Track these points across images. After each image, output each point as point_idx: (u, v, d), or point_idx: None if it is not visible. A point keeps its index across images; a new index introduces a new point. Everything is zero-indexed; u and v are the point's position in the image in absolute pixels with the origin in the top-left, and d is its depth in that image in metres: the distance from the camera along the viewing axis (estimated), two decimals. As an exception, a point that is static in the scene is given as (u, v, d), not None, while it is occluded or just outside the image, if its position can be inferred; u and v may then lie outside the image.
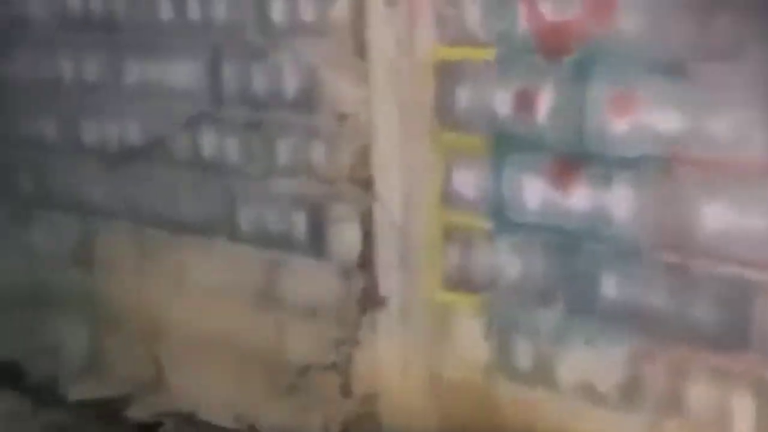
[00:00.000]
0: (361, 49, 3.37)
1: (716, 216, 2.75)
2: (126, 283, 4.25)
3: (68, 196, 4.42)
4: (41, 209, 4.54)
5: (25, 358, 4.57)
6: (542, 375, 3.10)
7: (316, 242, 3.61)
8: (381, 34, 3.32)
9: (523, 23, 3.01)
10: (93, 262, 4.37)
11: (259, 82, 3.66)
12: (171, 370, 4.13)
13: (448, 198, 3.25)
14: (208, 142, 3.86)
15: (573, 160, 2.96)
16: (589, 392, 3.00)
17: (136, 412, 4.13)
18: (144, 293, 4.20)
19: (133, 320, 4.24)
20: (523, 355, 3.13)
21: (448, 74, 3.18)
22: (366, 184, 3.44)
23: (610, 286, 2.93)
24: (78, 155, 4.34)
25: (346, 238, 3.53)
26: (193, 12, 3.82)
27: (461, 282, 3.26)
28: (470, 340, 3.25)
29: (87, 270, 4.39)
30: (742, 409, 2.78)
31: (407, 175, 3.32)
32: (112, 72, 4.14)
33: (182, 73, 3.88)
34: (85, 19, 4.20)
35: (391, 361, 3.47)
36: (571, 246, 3.00)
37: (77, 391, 4.33)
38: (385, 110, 3.34)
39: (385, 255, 3.43)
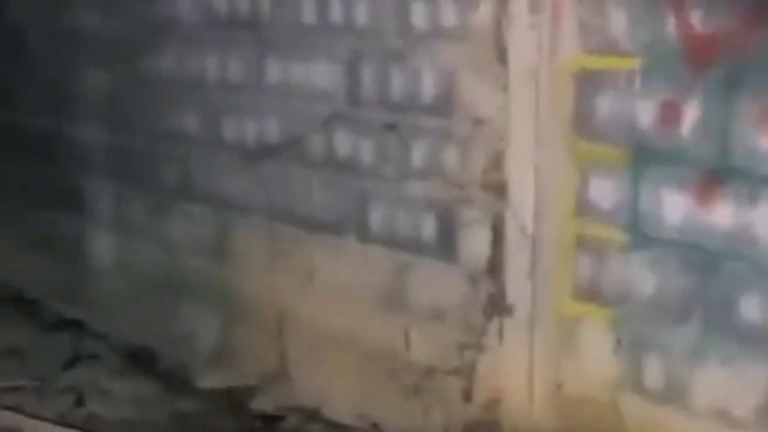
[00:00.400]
0: (501, 55, 3.26)
1: None
2: (257, 277, 4.22)
3: (207, 190, 4.43)
4: (181, 201, 4.56)
5: (159, 344, 4.59)
6: (674, 395, 2.90)
7: (446, 246, 3.50)
8: (523, 40, 3.20)
9: (671, 33, 2.83)
10: (227, 255, 4.36)
11: (397, 85, 3.61)
12: (296, 365, 4.07)
13: (583, 208, 3.09)
14: (344, 142, 3.81)
15: (717, 175, 2.77)
16: (724, 414, 2.80)
17: (261, 404, 4.08)
18: (274, 288, 4.15)
19: (262, 313, 4.20)
20: (655, 373, 2.94)
21: (588, 82, 3.05)
22: (498, 190, 3.31)
23: (750, 306, 2.72)
24: (218, 151, 4.36)
25: (475, 243, 3.40)
26: (335, 14, 3.80)
27: (592, 294, 3.09)
28: (598, 353, 3.07)
29: (221, 262, 4.38)
30: None
31: (541, 183, 3.19)
32: (254, 71, 4.14)
33: (322, 74, 3.86)
34: (230, 20, 4.22)
35: (515, 369, 3.32)
36: (710, 264, 2.80)
37: (206, 380, 4.31)
38: (522, 116, 3.23)
39: (515, 262, 3.29)
